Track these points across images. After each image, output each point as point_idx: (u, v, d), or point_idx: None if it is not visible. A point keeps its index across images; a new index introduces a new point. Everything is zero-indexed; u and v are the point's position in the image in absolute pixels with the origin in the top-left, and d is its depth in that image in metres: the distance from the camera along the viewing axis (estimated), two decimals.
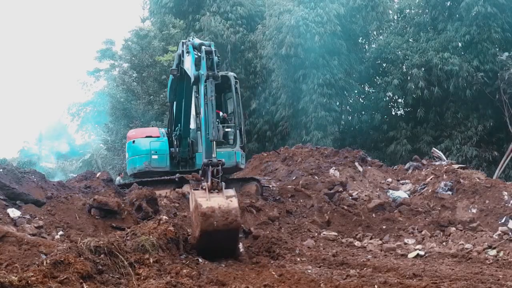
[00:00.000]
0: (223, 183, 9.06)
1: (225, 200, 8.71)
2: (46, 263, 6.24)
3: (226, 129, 13.63)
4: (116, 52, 35.95)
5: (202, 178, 9.26)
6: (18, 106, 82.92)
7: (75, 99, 54.53)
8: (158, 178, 13.63)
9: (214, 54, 9.71)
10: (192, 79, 10.35)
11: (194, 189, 9.49)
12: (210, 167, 8.99)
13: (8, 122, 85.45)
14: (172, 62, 29.41)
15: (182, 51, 11.75)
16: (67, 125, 43.53)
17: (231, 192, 8.99)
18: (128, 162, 14.74)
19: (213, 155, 9.21)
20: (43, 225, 9.16)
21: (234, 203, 8.75)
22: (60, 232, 9.14)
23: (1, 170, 9.92)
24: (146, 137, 14.43)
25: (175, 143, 13.99)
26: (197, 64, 10.13)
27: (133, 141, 14.48)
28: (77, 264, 6.34)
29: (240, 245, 10.38)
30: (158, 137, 14.36)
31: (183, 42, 11.90)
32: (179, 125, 13.74)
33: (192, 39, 11.17)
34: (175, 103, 13.78)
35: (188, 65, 10.82)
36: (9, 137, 78.35)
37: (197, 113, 13.54)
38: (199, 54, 10.15)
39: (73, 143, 43.29)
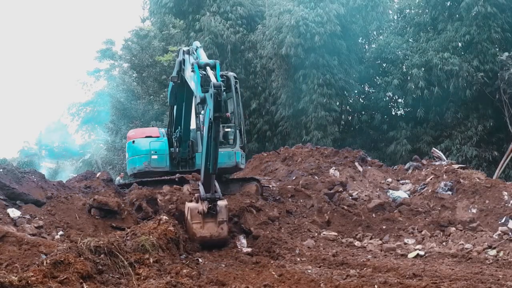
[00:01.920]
0: (217, 209, 10.20)
1: (216, 229, 10.24)
2: (46, 263, 6.24)
3: (226, 129, 13.64)
4: (116, 52, 35.94)
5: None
6: (18, 106, 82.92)
7: (75, 99, 54.46)
8: (158, 178, 13.62)
9: (222, 91, 9.48)
10: (198, 100, 10.23)
11: (189, 203, 10.65)
12: (207, 201, 10.09)
13: (8, 122, 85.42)
14: (172, 62, 29.45)
15: (183, 59, 11.74)
16: (67, 125, 43.54)
17: (223, 213, 10.30)
18: (128, 162, 14.72)
19: (212, 189, 10.17)
20: (43, 225, 9.16)
21: (224, 230, 10.36)
22: (60, 232, 9.14)
23: (1, 170, 9.92)
24: (146, 137, 14.41)
25: (175, 143, 14.00)
26: (202, 85, 9.96)
27: (133, 141, 14.45)
28: (77, 264, 6.34)
29: (244, 243, 10.51)
30: (158, 137, 14.35)
31: (183, 51, 11.82)
32: (179, 127, 13.75)
33: (197, 51, 11.09)
34: (175, 106, 13.79)
35: (193, 84, 10.65)
36: (9, 137, 78.31)
37: (197, 114, 13.57)
38: (204, 73, 10.04)
39: (73, 143, 43.27)
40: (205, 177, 10.27)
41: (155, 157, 14.06)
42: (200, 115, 13.18)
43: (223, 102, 9.59)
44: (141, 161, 14.13)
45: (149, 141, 14.22)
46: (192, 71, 10.49)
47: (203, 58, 10.70)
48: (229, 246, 10.50)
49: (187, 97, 12.62)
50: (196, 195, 10.54)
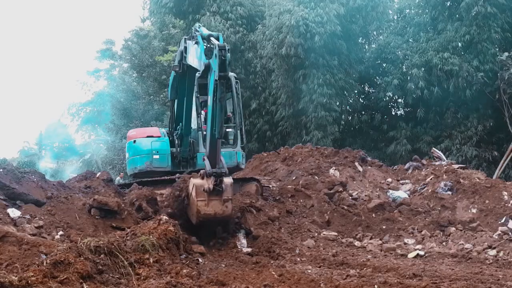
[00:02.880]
0: (223, 187, 9.98)
1: (221, 207, 10.12)
2: (46, 263, 6.24)
3: (227, 129, 13.68)
4: (116, 52, 35.95)
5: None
6: (18, 106, 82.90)
7: (75, 99, 54.35)
8: (158, 178, 13.61)
9: (227, 52, 9.61)
10: (202, 68, 10.25)
11: (194, 179, 10.30)
12: (213, 177, 9.88)
13: (8, 122, 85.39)
14: (172, 62, 29.46)
15: (185, 47, 11.82)
16: (67, 125, 43.50)
17: (228, 191, 10.11)
18: (129, 162, 14.71)
19: (218, 161, 10.10)
20: (43, 225, 9.16)
21: (228, 209, 10.23)
22: (60, 232, 9.14)
23: (1, 170, 9.93)
24: (147, 136, 14.42)
25: (176, 142, 13.97)
26: (206, 53, 10.09)
27: (134, 141, 14.45)
28: (77, 264, 6.34)
29: (244, 243, 10.50)
30: (159, 137, 14.34)
31: (185, 39, 11.95)
32: (180, 124, 13.73)
33: (199, 28, 11.14)
34: (176, 101, 13.77)
35: (194, 56, 10.78)
36: (9, 137, 78.28)
37: (198, 114, 13.56)
38: (208, 45, 10.19)
39: (73, 143, 43.25)
40: (210, 147, 10.13)
41: (156, 156, 14.04)
42: (201, 115, 13.31)
43: (228, 63, 9.66)
44: (142, 160, 14.11)
45: (151, 140, 14.21)
46: (196, 43, 10.61)
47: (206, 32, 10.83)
48: (229, 245, 10.49)
49: (189, 89, 12.60)
50: (201, 171, 10.27)
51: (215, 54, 9.62)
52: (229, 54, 9.72)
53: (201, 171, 10.32)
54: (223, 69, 9.61)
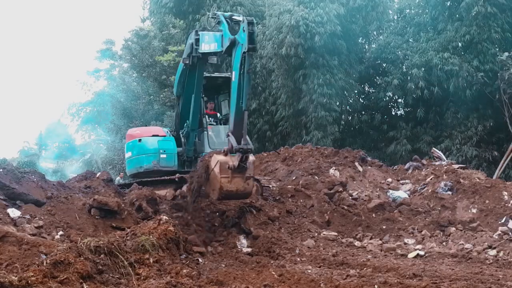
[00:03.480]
0: (247, 164, 10.28)
1: (243, 184, 10.40)
2: (46, 263, 6.25)
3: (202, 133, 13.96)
4: (116, 52, 35.90)
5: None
6: (18, 106, 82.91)
7: (75, 99, 54.30)
8: (158, 178, 13.59)
9: (254, 25, 10.28)
10: (228, 43, 10.73)
11: (217, 155, 10.64)
12: (240, 153, 10.19)
13: (8, 122, 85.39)
14: (172, 62, 29.41)
15: (196, 39, 12.18)
16: (67, 125, 43.44)
17: (251, 169, 10.51)
18: (132, 161, 14.50)
19: (244, 136, 10.33)
20: (43, 225, 9.16)
21: (250, 186, 10.63)
22: (60, 232, 9.14)
23: (1, 170, 9.93)
24: (153, 136, 14.25)
25: (183, 140, 13.87)
26: (230, 30, 10.70)
27: (139, 140, 14.23)
28: (77, 264, 6.35)
29: (244, 243, 10.51)
30: (164, 136, 14.20)
31: (196, 31, 12.36)
32: (186, 122, 13.69)
33: (217, 11, 11.88)
34: (182, 97, 13.72)
35: (211, 41, 11.41)
36: (9, 137, 78.29)
37: (203, 114, 13.78)
38: (232, 23, 10.90)
39: (73, 143, 43.22)
40: (235, 122, 10.42)
41: (164, 156, 13.90)
42: (206, 116, 13.79)
43: (256, 35, 10.37)
44: (149, 160, 13.90)
45: (157, 139, 14.04)
46: (218, 22, 11.28)
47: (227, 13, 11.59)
48: (229, 245, 10.48)
49: (198, 83, 12.89)
50: (225, 148, 10.50)
51: (243, 28, 10.27)
52: (255, 27, 10.52)
53: (225, 148, 10.56)
54: (252, 41, 10.22)
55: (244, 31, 10.21)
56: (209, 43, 11.57)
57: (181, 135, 13.88)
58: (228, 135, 10.62)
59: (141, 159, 14.07)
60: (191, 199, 11.34)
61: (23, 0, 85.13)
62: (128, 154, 14.86)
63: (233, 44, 10.54)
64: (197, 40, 12.08)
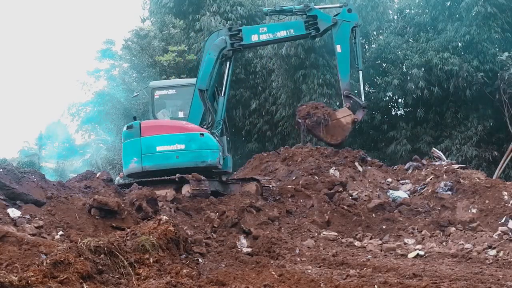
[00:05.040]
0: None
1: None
2: (46, 263, 6.24)
3: (222, 137, 14.07)
4: (116, 52, 35.87)
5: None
6: (18, 106, 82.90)
7: (75, 99, 54.32)
8: (157, 178, 13.57)
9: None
10: (331, 23, 14.78)
11: (343, 109, 15.90)
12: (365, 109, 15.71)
13: (8, 122, 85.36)
14: (172, 62, 29.33)
15: (231, 34, 14.33)
16: (67, 125, 43.39)
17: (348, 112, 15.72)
18: (187, 154, 13.55)
19: (363, 90, 15.88)
20: (43, 225, 9.14)
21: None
22: (60, 232, 9.13)
23: (1, 170, 9.91)
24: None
25: (217, 139, 13.79)
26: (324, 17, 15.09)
27: (202, 134, 13.65)
28: (77, 264, 6.34)
29: (244, 243, 10.52)
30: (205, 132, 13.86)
31: (229, 28, 14.98)
32: (221, 117, 14.02)
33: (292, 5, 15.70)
34: (207, 92, 13.84)
35: (287, 28, 14.79)
36: (9, 137, 78.25)
37: (224, 120, 14.38)
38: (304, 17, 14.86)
39: (73, 143, 43.18)
40: (349, 83, 15.34)
41: (220, 153, 13.91)
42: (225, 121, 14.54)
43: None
44: (214, 156, 13.56)
45: (209, 136, 13.69)
46: (310, 9, 14.73)
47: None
48: (229, 245, 10.50)
49: (229, 76, 14.38)
50: (346, 103, 15.46)
51: (346, 10, 14.85)
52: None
53: (347, 103, 15.48)
54: (356, 18, 15.12)
55: (349, 12, 14.64)
56: (277, 31, 14.61)
57: (215, 133, 13.75)
58: (347, 95, 15.35)
59: (205, 153, 13.58)
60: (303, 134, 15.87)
61: (24, 0, 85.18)
62: (179, 146, 13.67)
63: (335, 23, 14.59)
64: (232, 36, 14.28)
